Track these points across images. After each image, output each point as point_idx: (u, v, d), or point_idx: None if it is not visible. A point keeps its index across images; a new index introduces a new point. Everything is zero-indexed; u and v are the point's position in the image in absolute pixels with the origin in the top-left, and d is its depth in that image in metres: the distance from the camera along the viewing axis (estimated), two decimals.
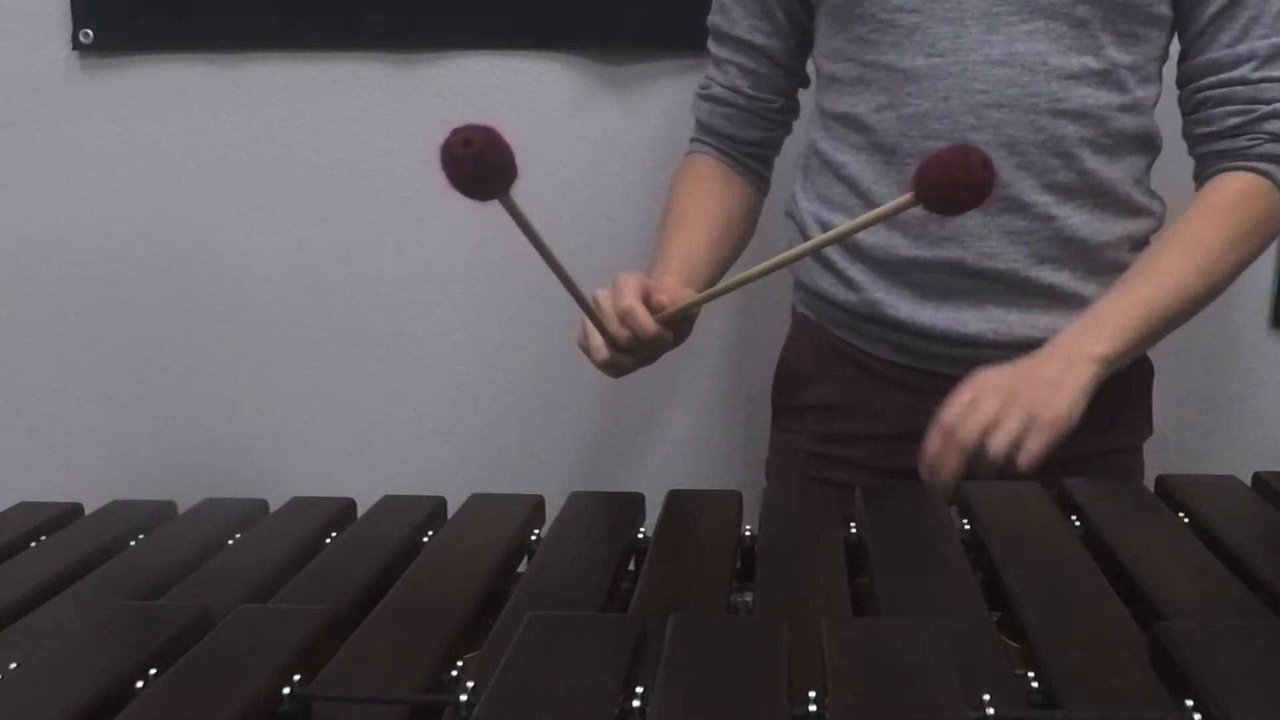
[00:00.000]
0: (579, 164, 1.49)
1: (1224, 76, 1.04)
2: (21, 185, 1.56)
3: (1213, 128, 1.06)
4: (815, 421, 1.18)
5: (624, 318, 0.99)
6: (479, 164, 0.79)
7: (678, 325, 1.03)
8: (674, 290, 1.02)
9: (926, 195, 0.81)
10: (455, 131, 0.78)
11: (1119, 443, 1.16)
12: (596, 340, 1.03)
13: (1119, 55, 1.03)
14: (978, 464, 0.96)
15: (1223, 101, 1.05)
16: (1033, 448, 0.95)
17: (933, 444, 0.97)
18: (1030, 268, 1.06)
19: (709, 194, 1.18)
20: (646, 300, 1.00)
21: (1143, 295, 1.03)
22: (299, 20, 1.48)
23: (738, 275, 0.98)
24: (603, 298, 1.02)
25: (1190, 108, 1.08)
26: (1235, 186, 1.06)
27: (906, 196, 0.83)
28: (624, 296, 0.99)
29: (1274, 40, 1.04)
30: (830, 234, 0.98)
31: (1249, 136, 1.05)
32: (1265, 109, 1.04)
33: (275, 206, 1.54)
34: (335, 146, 1.52)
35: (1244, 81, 1.04)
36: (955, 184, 0.80)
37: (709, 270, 1.13)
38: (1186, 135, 1.10)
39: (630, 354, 1.02)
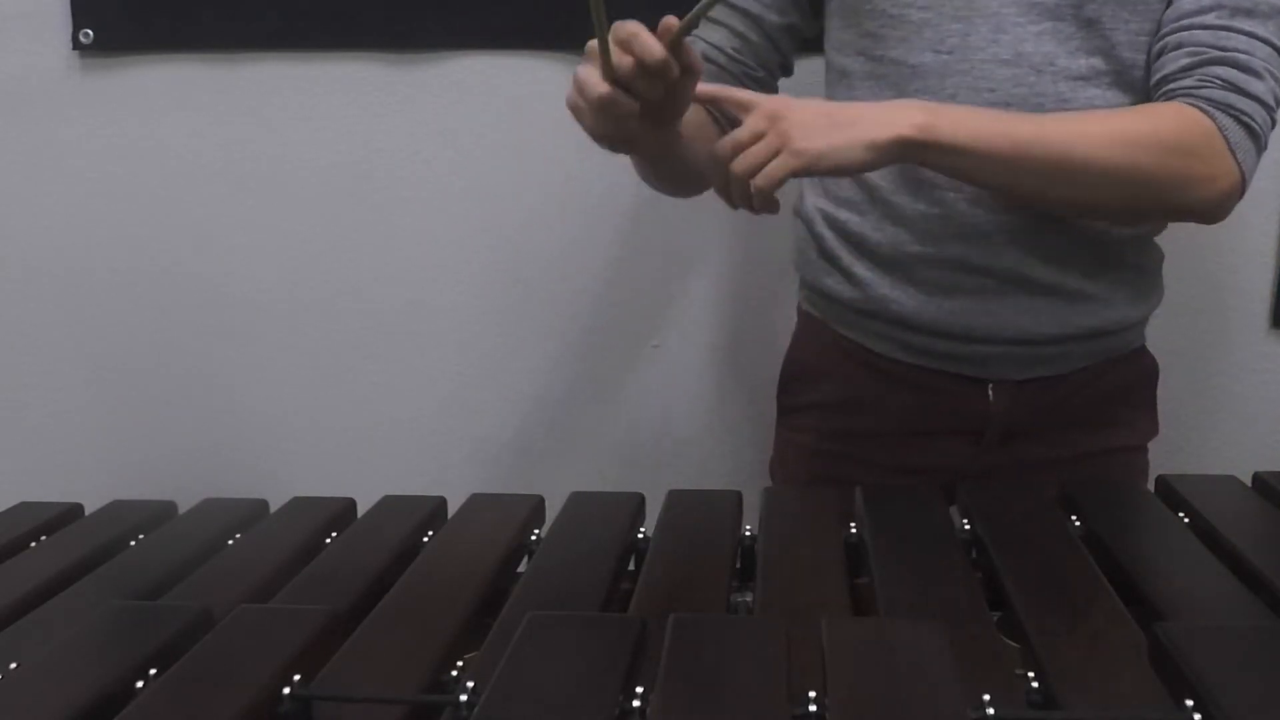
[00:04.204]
0: (579, 164, 1.49)
1: (1185, 22, 1.00)
2: (21, 185, 1.56)
3: (1164, 71, 1.00)
4: (821, 419, 1.18)
5: (627, 44, 0.90)
6: None
7: (683, 86, 0.94)
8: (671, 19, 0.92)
9: None
10: None
11: (1122, 442, 1.16)
12: (592, 75, 0.92)
13: (1134, 55, 1.02)
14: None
15: (1179, 45, 1.00)
16: (771, 171, 0.91)
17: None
18: (1035, 266, 1.06)
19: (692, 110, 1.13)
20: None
21: (1011, 119, 0.97)
22: (299, 20, 1.48)
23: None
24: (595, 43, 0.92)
25: (1152, 59, 1.03)
26: (1173, 107, 0.98)
27: None
28: (625, 24, 0.91)
29: None
30: None
31: (1198, 78, 0.97)
32: (1219, 54, 0.97)
33: (275, 206, 1.54)
34: (335, 146, 1.52)
35: (1203, 26, 0.99)
36: None
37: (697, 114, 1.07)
38: (1150, 90, 1.03)
39: (630, 92, 0.92)
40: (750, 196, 0.93)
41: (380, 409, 1.59)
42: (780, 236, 1.23)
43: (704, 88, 0.96)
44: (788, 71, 1.19)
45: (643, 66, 0.89)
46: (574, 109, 0.96)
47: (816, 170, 0.93)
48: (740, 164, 0.93)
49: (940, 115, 0.95)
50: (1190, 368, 1.48)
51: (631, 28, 0.89)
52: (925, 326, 1.08)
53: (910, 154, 0.95)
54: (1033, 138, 0.95)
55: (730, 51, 1.14)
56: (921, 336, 1.09)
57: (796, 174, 0.92)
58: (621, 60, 0.90)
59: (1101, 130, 0.97)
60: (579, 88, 0.93)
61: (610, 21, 0.89)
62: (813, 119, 0.93)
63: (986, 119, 0.97)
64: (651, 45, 0.89)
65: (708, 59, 1.15)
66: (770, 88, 1.19)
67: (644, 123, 0.94)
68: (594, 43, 0.91)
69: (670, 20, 0.90)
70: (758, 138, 0.93)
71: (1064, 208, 1.03)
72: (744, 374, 1.54)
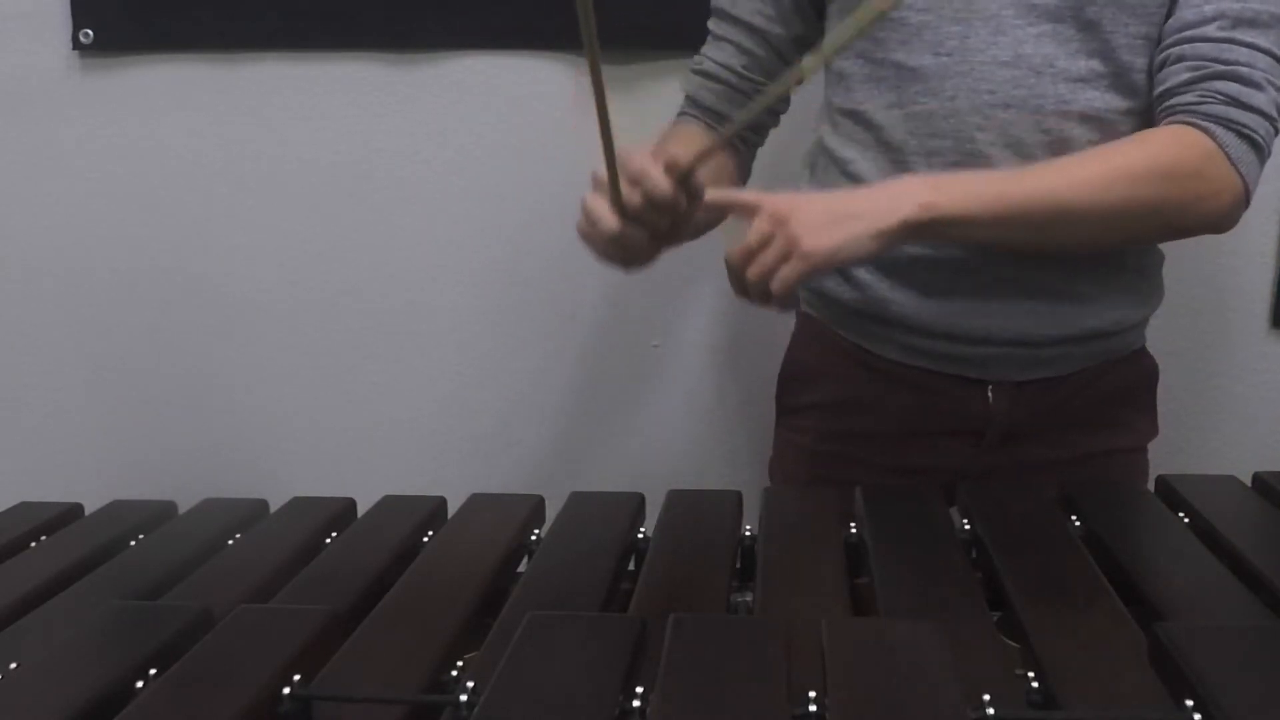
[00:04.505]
0: (579, 164, 1.49)
1: (1187, 34, 0.99)
2: (21, 185, 1.56)
3: (1166, 85, 1.00)
4: (820, 420, 1.18)
5: (637, 179, 0.93)
6: None
7: (690, 213, 0.96)
8: (675, 151, 0.96)
9: None
10: None
11: (1122, 443, 1.16)
12: (603, 210, 0.95)
13: (1133, 59, 1.02)
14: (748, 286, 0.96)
15: (1180, 58, 1.00)
16: (785, 276, 0.93)
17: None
18: (1034, 267, 1.06)
19: (698, 144, 1.14)
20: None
21: (1010, 179, 0.98)
22: (299, 20, 1.48)
23: (756, 102, 0.94)
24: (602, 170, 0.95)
25: (1154, 71, 1.03)
26: (1169, 131, 0.99)
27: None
28: (633, 159, 0.93)
29: (1249, 4, 0.98)
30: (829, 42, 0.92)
31: (1199, 93, 0.98)
32: (1221, 68, 0.97)
33: (275, 206, 1.54)
34: (335, 146, 1.52)
35: (1205, 39, 0.98)
36: None
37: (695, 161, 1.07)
38: (1152, 103, 1.03)
39: (640, 225, 0.95)
40: (769, 297, 0.95)
41: (380, 409, 1.59)
42: None
43: (710, 195, 0.98)
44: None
45: (651, 203, 0.92)
46: (585, 237, 0.99)
47: (829, 267, 0.95)
48: (754, 271, 0.94)
49: (941, 190, 0.96)
50: (1190, 368, 1.48)
51: (638, 166, 0.92)
52: (924, 328, 1.08)
53: (918, 233, 0.96)
54: (1034, 194, 0.97)
55: (740, 70, 1.15)
56: (920, 338, 1.09)
57: (809, 276, 0.94)
58: (630, 196, 0.93)
59: (1102, 172, 0.97)
60: (590, 220, 0.97)
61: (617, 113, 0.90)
62: (817, 217, 0.94)
63: (988, 184, 0.98)
64: (660, 183, 0.92)
65: (717, 79, 1.16)
66: (780, 101, 1.19)
67: (652, 245, 0.97)
68: (602, 172, 0.94)
69: (676, 156, 0.93)
70: (766, 242, 0.94)
71: (1080, 250, 1.04)
72: (744, 374, 1.54)
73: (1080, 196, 0.97)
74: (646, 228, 0.95)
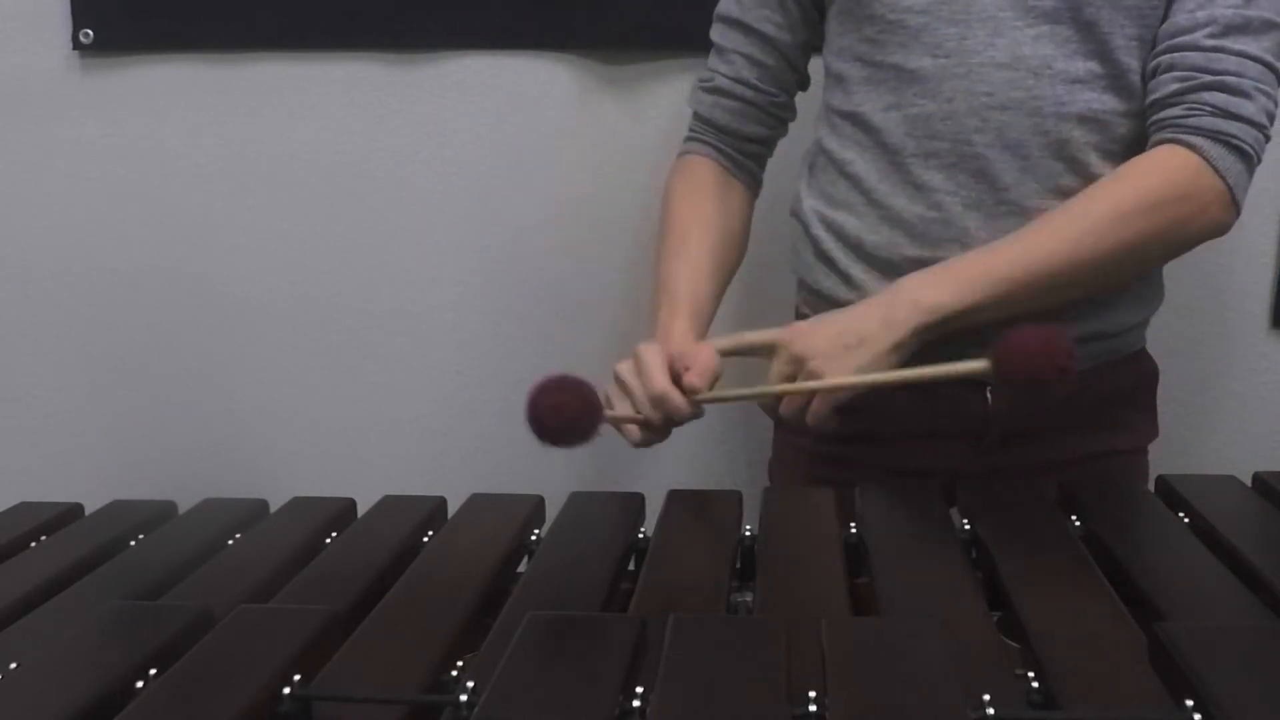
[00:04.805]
0: (579, 164, 1.49)
1: (1177, 41, 0.99)
2: (21, 185, 1.56)
3: (1156, 94, 1.00)
4: None
5: (658, 402, 1.00)
6: (566, 425, 0.90)
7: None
8: (700, 363, 1.01)
9: (1004, 372, 0.83)
10: (545, 391, 0.90)
11: (1121, 444, 1.16)
12: (632, 429, 1.03)
13: (1130, 60, 1.02)
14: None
15: (1170, 67, 1.00)
16: (817, 412, 1.00)
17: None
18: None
19: (708, 206, 1.17)
20: (675, 377, 1.00)
21: (1004, 254, 1.00)
22: (299, 20, 1.48)
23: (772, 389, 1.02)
24: (626, 374, 1.02)
25: (1146, 78, 1.03)
26: (1154, 159, 0.99)
27: (981, 364, 0.84)
28: (654, 380, 0.99)
29: (1241, 11, 0.97)
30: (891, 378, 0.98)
31: (1186, 106, 0.98)
32: (1210, 78, 0.97)
33: (275, 206, 1.54)
34: (335, 146, 1.52)
35: (1195, 47, 0.98)
36: (1035, 368, 0.82)
37: (715, 299, 1.15)
38: (1145, 110, 1.03)
39: (660, 432, 1.03)
40: (806, 429, 1.01)
41: (380, 409, 1.58)
42: (780, 239, 1.23)
43: (721, 344, 1.05)
44: (804, 87, 1.20)
45: (671, 420, 1.01)
46: (614, 424, 1.04)
47: (856, 391, 0.99)
48: (786, 411, 1.02)
49: (942, 288, 0.98)
50: (1190, 368, 1.48)
51: (660, 389, 0.99)
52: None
53: (931, 334, 0.99)
54: (1034, 264, 0.99)
55: (754, 83, 1.15)
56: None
57: (839, 405, 0.99)
58: (653, 414, 1.00)
59: (1090, 222, 0.99)
60: (616, 427, 1.04)
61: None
62: (832, 349, 0.99)
63: (987, 266, 1.00)
64: (681, 407, 1.00)
65: (731, 94, 1.16)
66: (790, 109, 1.20)
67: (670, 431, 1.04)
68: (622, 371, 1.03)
69: (695, 382, 0.99)
70: (789, 382, 1.00)
71: (1090, 295, 1.05)
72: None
73: (1075, 255, 0.99)
74: (664, 434, 1.03)
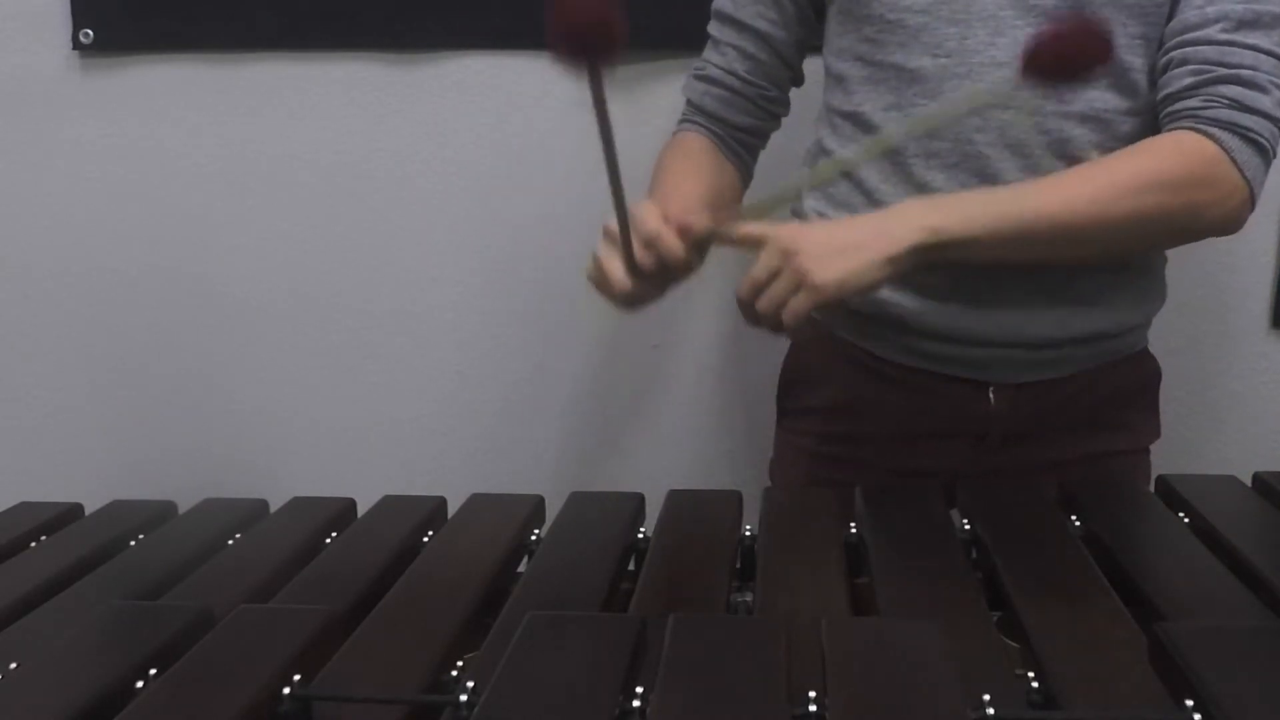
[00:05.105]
0: (579, 164, 1.49)
1: (1190, 36, 0.99)
2: (21, 185, 1.56)
3: (1170, 89, 0.99)
4: (820, 422, 1.18)
5: (651, 242, 0.95)
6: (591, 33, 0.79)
7: (695, 254, 0.99)
8: (694, 214, 0.98)
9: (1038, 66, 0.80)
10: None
11: (1123, 445, 1.16)
12: (617, 269, 0.97)
13: (1132, 59, 1.02)
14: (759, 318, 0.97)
15: (1184, 61, 0.98)
16: (795, 308, 0.94)
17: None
18: (1036, 269, 1.05)
19: (700, 165, 1.16)
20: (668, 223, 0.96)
21: (1016, 195, 0.98)
22: (299, 20, 1.48)
23: (774, 194, 0.96)
24: (616, 225, 0.97)
25: (1157, 75, 1.02)
26: (1173, 139, 0.98)
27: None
28: (647, 221, 0.95)
29: (1251, 6, 0.97)
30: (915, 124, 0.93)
31: (1203, 98, 0.97)
32: (1225, 71, 0.97)
33: (275, 206, 1.54)
34: (335, 146, 1.52)
35: (1209, 41, 0.97)
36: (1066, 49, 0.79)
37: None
38: (1155, 106, 1.03)
39: (650, 282, 0.98)
40: (780, 328, 0.96)
41: (380, 409, 1.59)
42: None
43: (716, 230, 0.99)
44: (798, 83, 1.20)
45: (662, 266, 0.95)
46: (595, 285, 1.00)
47: (839, 298, 0.95)
48: (764, 304, 0.95)
49: (948, 213, 0.96)
50: (1190, 368, 1.48)
51: (654, 228, 0.94)
52: (925, 329, 1.08)
53: (926, 257, 0.96)
54: (1041, 211, 0.97)
55: (743, 75, 1.15)
56: (921, 339, 1.09)
57: (819, 307, 0.94)
58: (644, 257, 0.95)
59: (1107, 185, 0.97)
60: (602, 274, 0.98)
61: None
62: (824, 248, 0.95)
63: (993, 204, 0.98)
64: (674, 248, 0.94)
65: (720, 84, 1.16)
66: (783, 104, 1.20)
67: (658, 292, 0.99)
68: (614, 225, 0.95)
69: (688, 222, 0.95)
70: (774, 275, 0.95)
71: (1089, 262, 1.04)
72: (744, 374, 1.54)
73: (1086, 211, 0.97)
74: (656, 284, 0.97)
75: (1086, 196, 0.97)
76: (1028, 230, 0.97)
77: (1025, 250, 0.98)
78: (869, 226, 0.98)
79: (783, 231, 0.98)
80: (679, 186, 1.11)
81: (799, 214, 1.17)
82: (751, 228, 1.00)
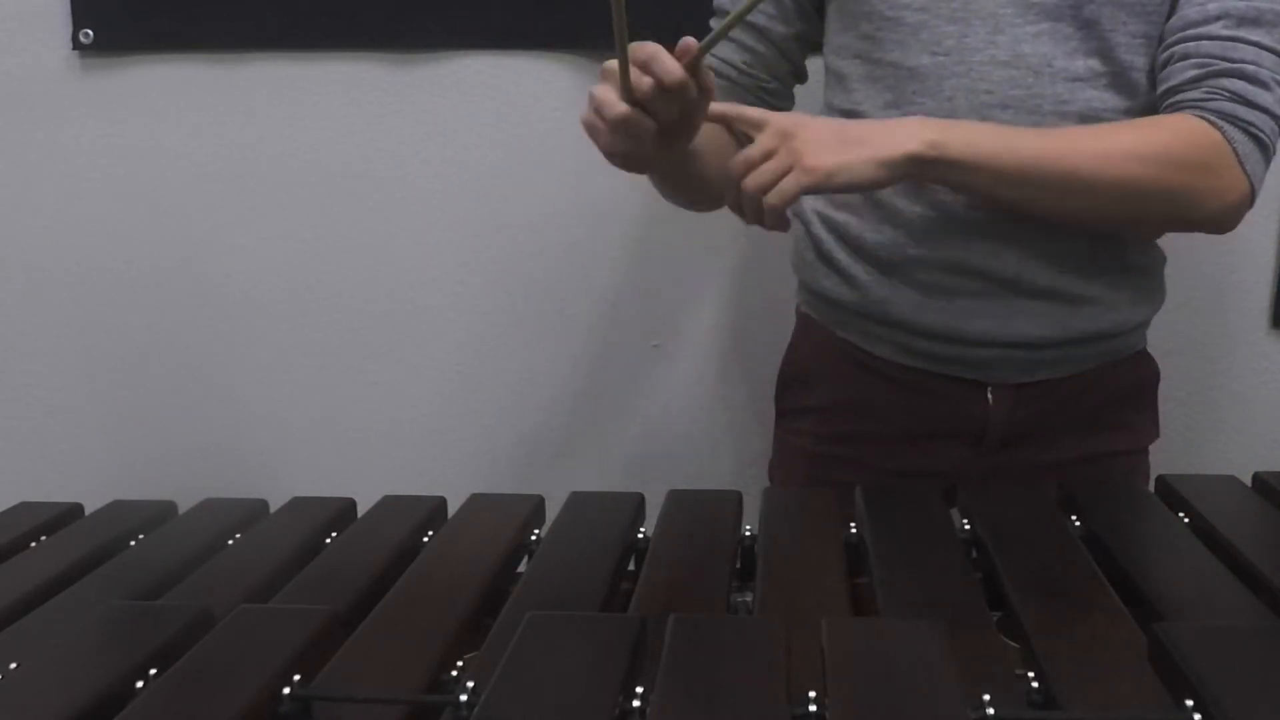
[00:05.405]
0: (579, 164, 1.49)
1: (1191, 32, 0.99)
2: (21, 185, 1.56)
3: (1171, 82, 1.00)
4: (819, 422, 1.18)
5: (647, 64, 0.90)
6: None
7: (699, 106, 0.94)
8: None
9: None
10: None
11: (1122, 446, 1.16)
12: (611, 95, 0.91)
13: (1132, 58, 1.02)
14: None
15: (1185, 55, 0.99)
16: (783, 188, 0.93)
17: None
18: (1035, 268, 1.05)
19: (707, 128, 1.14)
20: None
21: (1018, 135, 0.98)
22: (299, 20, 1.48)
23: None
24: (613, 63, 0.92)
25: (1158, 69, 1.03)
26: (1184, 119, 0.98)
27: None
28: (644, 45, 0.91)
29: (1253, 3, 0.97)
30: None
31: (1206, 89, 0.97)
32: (1228, 65, 0.97)
33: (275, 206, 1.54)
34: (335, 146, 1.52)
35: (1211, 37, 0.98)
36: None
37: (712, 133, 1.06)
38: (1156, 101, 1.03)
39: (647, 112, 0.92)
40: (762, 213, 0.94)
41: (380, 409, 1.59)
42: (781, 237, 1.23)
43: (716, 107, 0.97)
44: (801, 79, 1.20)
45: (661, 87, 0.89)
46: (589, 127, 0.96)
47: (828, 187, 0.94)
48: (752, 181, 0.94)
49: (950, 132, 0.96)
50: (1190, 368, 1.48)
51: (650, 49, 0.90)
52: (923, 329, 1.08)
53: (921, 170, 0.96)
54: (1042, 154, 0.96)
55: (741, 66, 1.15)
56: (920, 339, 1.09)
57: (808, 191, 0.93)
58: (640, 81, 0.90)
59: (1111, 145, 0.97)
60: (596, 107, 0.93)
61: (630, 36, 0.89)
62: (824, 136, 0.94)
63: (996, 135, 0.97)
64: (671, 67, 0.89)
65: (719, 74, 1.16)
66: (785, 97, 1.19)
67: (658, 142, 0.94)
68: (612, 63, 0.91)
69: (688, 41, 0.90)
70: (769, 155, 0.94)
71: (1073, 221, 1.03)
72: (744, 374, 1.54)
73: (1088, 165, 0.96)
74: (654, 116, 0.92)
75: (1089, 151, 0.97)
76: (1025, 169, 0.96)
77: (1017, 189, 0.97)
78: (873, 127, 0.98)
79: (784, 117, 0.98)
80: None
81: (798, 214, 1.17)
82: (754, 112, 1.00)
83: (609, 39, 0.89)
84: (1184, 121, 0.98)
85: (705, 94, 0.92)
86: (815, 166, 0.92)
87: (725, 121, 1.01)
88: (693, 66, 0.90)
